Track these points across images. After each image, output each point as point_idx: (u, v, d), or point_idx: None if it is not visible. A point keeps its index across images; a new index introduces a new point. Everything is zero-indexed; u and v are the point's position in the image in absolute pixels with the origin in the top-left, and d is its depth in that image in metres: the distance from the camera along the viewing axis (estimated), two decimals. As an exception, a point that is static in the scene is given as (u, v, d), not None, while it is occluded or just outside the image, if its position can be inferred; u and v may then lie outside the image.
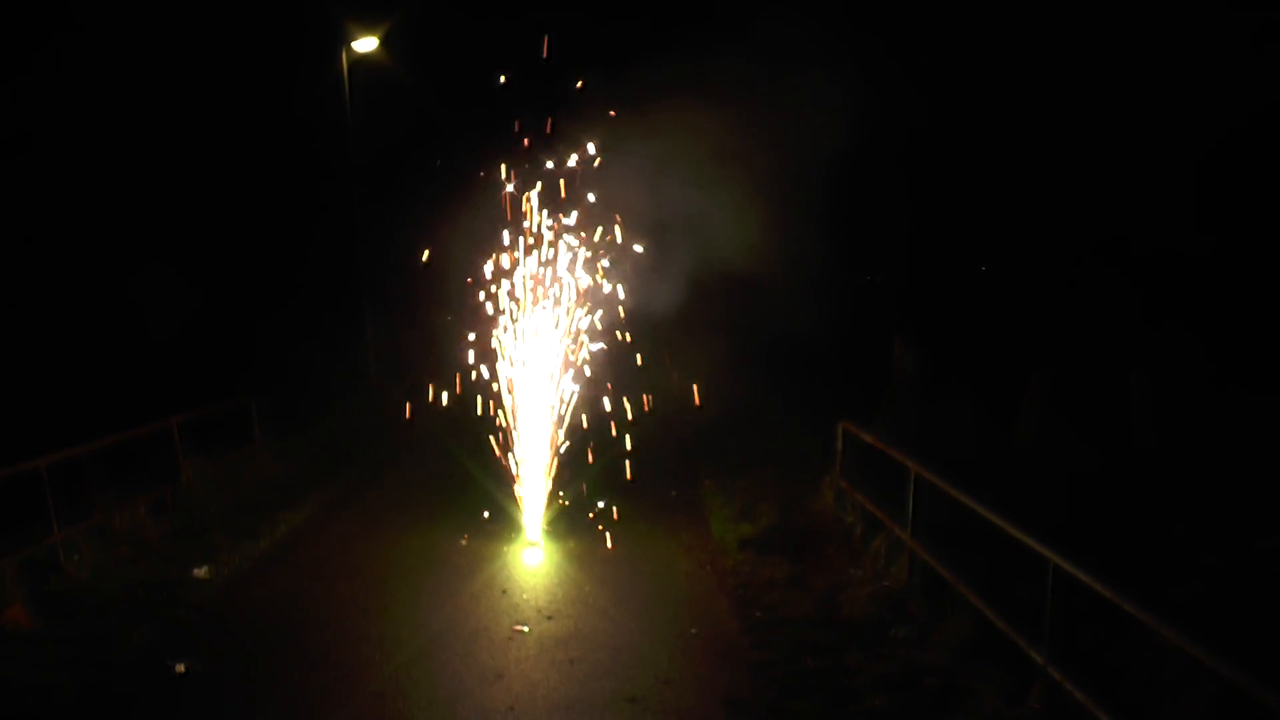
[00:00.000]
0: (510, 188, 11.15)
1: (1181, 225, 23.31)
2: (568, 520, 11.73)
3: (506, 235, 11.29)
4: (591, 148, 11.24)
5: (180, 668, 7.78)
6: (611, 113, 11.69)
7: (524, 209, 11.23)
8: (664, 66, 13.03)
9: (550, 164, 11.21)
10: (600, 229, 11.49)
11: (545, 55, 11.34)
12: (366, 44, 20.07)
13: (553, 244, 11.36)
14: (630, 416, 12.36)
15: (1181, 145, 22.88)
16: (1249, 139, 21.95)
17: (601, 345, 11.88)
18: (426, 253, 12.11)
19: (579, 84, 11.78)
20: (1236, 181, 22.58)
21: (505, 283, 11.42)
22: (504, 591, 9.59)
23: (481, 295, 11.48)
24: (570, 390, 11.74)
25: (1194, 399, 12.47)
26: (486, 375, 11.57)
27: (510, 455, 11.66)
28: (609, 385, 12.26)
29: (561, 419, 11.74)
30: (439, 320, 17.54)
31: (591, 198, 11.36)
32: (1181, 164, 23.09)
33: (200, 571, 10.07)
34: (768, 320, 22.79)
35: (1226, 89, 21.87)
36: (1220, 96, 22.04)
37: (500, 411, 11.65)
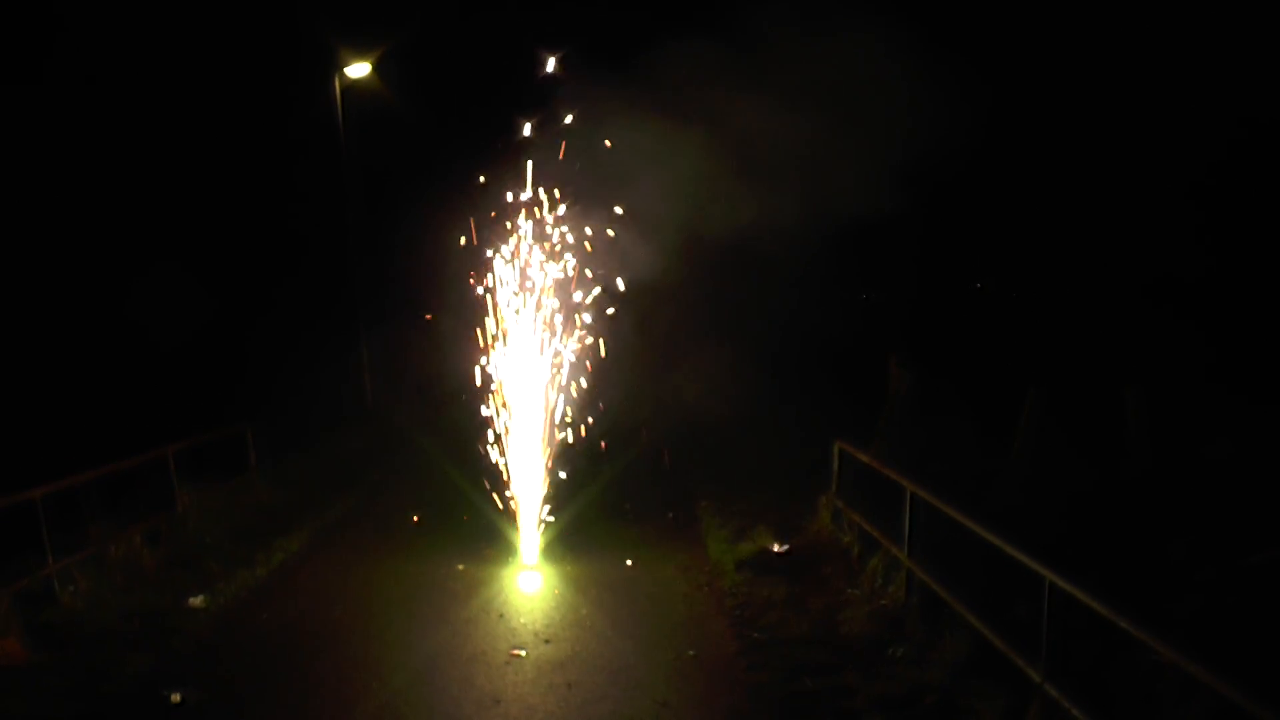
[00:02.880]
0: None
1: (1180, 239, 23.40)
2: (564, 544, 11.70)
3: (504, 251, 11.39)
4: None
5: (176, 697, 7.74)
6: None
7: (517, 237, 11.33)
8: (670, 78, 13.09)
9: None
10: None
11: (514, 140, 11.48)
12: (359, 69, 20.27)
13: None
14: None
15: (1180, 163, 23.02)
16: (1248, 155, 22.08)
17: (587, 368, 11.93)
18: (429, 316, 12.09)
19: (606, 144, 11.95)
20: (1236, 196, 22.71)
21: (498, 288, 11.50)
22: (501, 615, 9.57)
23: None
24: (564, 417, 11.78)
25: (1189, 414, 12.48)
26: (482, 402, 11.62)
27: (506, 480, 11.66)
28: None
29: (556, 442, 11.76)
30: (435, 342, 17.58)
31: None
32: (1180, 180, 23.22)
33: (196, 600, 10.03)
34: (769, 334, 22.90)
35: (1225, 107, 22.00)
36: (1219, 114, 22.17)
37: (496, 438, 11.66)
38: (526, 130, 11.26)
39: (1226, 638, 6.99)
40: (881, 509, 10.01)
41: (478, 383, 11.58)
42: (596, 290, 11.85)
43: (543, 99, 11.83)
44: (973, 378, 16.76)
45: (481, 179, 11.34)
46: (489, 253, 11.34)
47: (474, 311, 11.51)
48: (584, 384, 11.99)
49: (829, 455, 11.95)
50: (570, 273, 11.55)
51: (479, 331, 11.49)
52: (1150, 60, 22.87)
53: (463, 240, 11.47)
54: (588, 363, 11.94)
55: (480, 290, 11.44)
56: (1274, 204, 22.17)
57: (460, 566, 11.12)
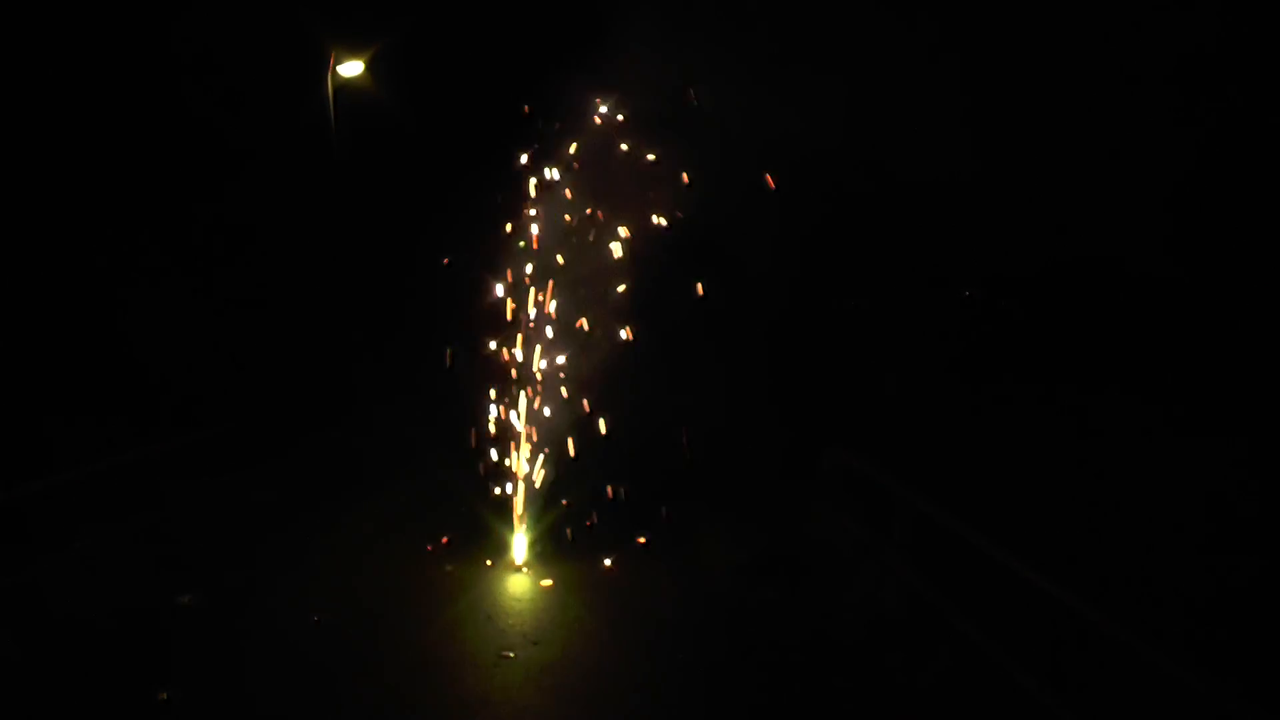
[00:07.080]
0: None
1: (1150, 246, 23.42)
2: (555, 545, 11.65)
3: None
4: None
5: (163, 696, 7.69)
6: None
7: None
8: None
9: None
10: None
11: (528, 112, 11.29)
12: (352, 68, 20.17)
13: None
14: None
15: (1155, 165, 23.02)
16: (1224, 159, 22.09)
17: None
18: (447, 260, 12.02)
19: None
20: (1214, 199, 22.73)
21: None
22: (489, 617, 9.53)
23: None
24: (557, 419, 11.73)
25: None
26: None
27: (498, 481, 11.61)
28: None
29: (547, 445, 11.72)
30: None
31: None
32: (1155, 183, 23.23)
33: (184, 599, 9.97)
34: (759, 341, 22.87)
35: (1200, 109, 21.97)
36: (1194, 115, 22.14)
37: (488, 442, 11.62)
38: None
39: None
40: (875, 514, 10.02)
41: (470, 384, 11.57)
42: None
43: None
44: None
45: (526, 109, 11.10)
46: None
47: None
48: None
49: (821, 460, 11.95)
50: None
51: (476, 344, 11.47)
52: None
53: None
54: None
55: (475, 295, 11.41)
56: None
57: (449, 568, 11.07)
